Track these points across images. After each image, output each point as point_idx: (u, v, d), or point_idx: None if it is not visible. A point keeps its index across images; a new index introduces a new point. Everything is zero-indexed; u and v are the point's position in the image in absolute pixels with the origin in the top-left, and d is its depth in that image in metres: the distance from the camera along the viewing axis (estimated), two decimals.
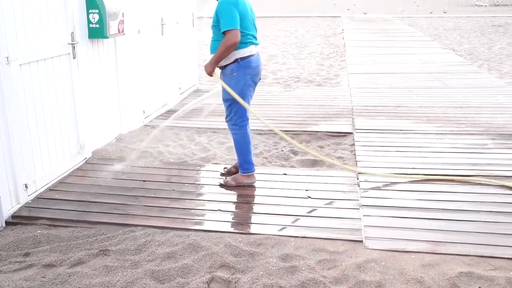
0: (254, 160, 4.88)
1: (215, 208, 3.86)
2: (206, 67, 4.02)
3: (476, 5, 37.78)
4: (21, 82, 3.83)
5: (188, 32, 7.89)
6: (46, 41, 4.15)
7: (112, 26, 4.89)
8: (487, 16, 26.25)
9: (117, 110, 5.49)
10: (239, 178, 4.25)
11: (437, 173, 4.46)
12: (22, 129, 3.85)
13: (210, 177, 4.49)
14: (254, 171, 4.26)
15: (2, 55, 3.57)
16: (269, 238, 3.35)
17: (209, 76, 4.24)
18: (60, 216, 3.71)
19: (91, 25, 4.78)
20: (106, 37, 4.85)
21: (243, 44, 3.91)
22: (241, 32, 3.86)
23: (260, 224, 3.59)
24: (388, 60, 11.44)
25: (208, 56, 4.12)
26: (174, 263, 3.07)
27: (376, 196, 4.02)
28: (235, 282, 2.88)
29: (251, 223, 3.63)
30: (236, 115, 4.11)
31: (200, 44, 10.66)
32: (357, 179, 4.37)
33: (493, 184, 3.96)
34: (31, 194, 3.98)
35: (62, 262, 3.10)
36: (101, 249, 3.23)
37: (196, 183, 4.38)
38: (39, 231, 3.49)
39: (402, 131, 5.79)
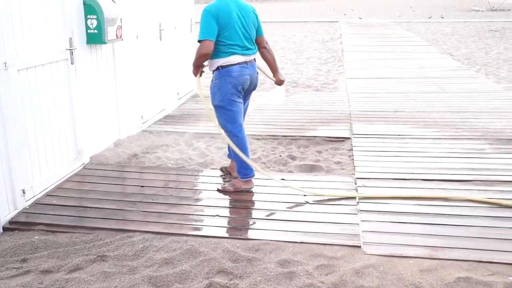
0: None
1: (213, 214, 3.85)
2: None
3: (473, 10, 37.95)
4: (19, 88, 3.83)
5: (186, 37, 7.90)
6: (44, 47, 4.16)
7: (110, 32, 4.90)
8: (484, 21, 26.34)
9: (115, 115, 5.49)
10: (237, 184, 4.25)
11: (435, 178, 4.46)
12: (20, 135, 3.85)
13: (208, 183, 4.49)
14: (253, 176, 4.25)
15: (0, 61, 3.57)
16: (267, 244, 3.34)
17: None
18: (58, 221, 3.71)
19: (89, 31, 4.78)
20: (104, 43, 4.85)
21: (223, 53, 3.96)
22: (222, 42, 3.92)
23: (258, 230, 3.58)
24: (386, 65, 11.47)
25: None
26: (172, 269, 3.06)
27: (374, 201, 4.01)
28: None
29: (249, 229, 3.62)
30: (226, 121, 4.11)
31: None
32: (355, 184, 4.37)
33: (489, 202, 3.89)
34: (28, 200, 3.97)
35: (60, 268, 3.09)
36: (98, 254, 3.22)
37: (194, 188, 4.37)
38: (36, 237, 3.48)
39: (400, 136, 5.80)
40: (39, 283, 2.94)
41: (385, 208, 3.88)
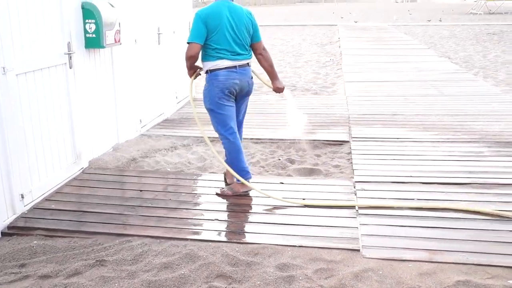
0: (252, 169, 4.90)
1: (212, 218, 3.85)
2: None
3: (471, 13, 38.05)
4: (18, 92, 3.83)
5: (185, 41, 7.88)
6: (42, 51, 4.16)
7: (109, 36, 4.90)
8: (481, 24, 26.41)
9: (114, 119, 5.49)
10: (235, 187, 4.25)
11: (434, 181, 4.47)
12: (18, 139, 3.84)
13: (207, 187, 4.49)
14: (249, 178, 4.23)
15: None
16: (266, 248, 3.34)
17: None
18: (57, 226, 3.70)
19: (87, 35, 4.79)
20: (103, 47, 4.86)
21: (211, 57, 4.01)
22: (210, 45, 3.97)
23: (257, 234, 3.58)
24: (384, 68, 11.49)
25: None
26: (171, 273, 3.06)
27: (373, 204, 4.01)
28: None
29: (248, 233, 3.62)
30: (217, 124, 4.13)
31: None
32: (354, 187, 4.37)
33: (491, 213, 3.78)
34: (27, 204, 3.97)
35: (59, 273, 3.08)
36: (97, 259, 3.22)
37: (193, 192, 4.37)
38: (35, 242, 3.48)
39: (399, 139, 5.80)
40: None
41: (384, 212, 3.88)
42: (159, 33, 6.65)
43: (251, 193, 4.27)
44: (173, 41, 7.27)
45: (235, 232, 3.63)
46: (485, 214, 3.76)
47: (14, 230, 3.67)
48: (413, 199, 4.09)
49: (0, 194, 3.68)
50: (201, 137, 6.02)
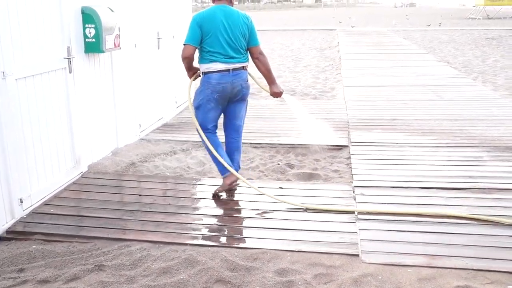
0: (250, 173, 4.91)
1: (211, 223, 3.84)
2: None
3: (469, 18, 38.16)
4: (17, 97, 3.83)
5: None
6: (42, 56, 4.16)
7: (108, 41, 4.91)
8: (480, 29, 26.48)
9: (113, 124, 5.49)
10: (223, 183, 4.33)
11: (433, 186, 4.47)
12: (17, 144, 3.84)
13: (206, 191, 4.48)
14: (228, 172, 4.26)
15: None
16: (265, 253, 3.33)
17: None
18: (55, 231, 3.69)
19: (87, 40, 4.79)
20: (102, 52, 4.86)
21: (203, 59, 4.13)
22: (204, 48, 4.07)
23: (256, 238, 3.57)
24: (384, 73, 11.51)
25: None
26: (170, 278, 3.05)
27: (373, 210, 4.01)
28: None
29: (247, 237, 3.62)
30: (201, 121, 4.24)
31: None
32: (353, 192, 4.37)
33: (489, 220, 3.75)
34: (26, 209, 3.96)
35: (57, 278, 3.07)
36: (96, 264, 3.21)
37: (192, 197, 4.37)
38: (34, 247, 3.47)
39: (398, 144, 5.80)
40: None
41: (383, 217, 3.87)
42: (158, 38, 6.66)
43: (251, 198, 4.27)
44: (173, 45, 7.27)
45: (234, 237, 3.63)
46: (484, 221, 3.75)
47: (12, 235, 3.66)
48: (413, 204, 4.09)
49: None
50: (200, 141, 6.01)
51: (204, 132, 4.26)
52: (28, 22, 3.97)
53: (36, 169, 4.13)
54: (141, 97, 6.16)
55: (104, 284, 3.00)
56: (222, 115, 4.42)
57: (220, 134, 4.46)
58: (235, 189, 4.46)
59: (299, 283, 2.99)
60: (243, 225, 3.83)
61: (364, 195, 4.30)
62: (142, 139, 6.12)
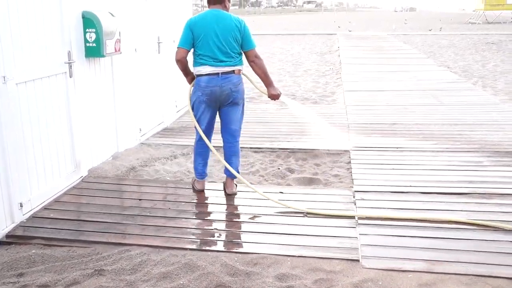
0: (251, 178, 4.91)
1: (211, 227, 3.84)
2: None
3: (469, 22, 38.24)
4: (18, 101, 3.84)
5: None
6: (43, 60, 4.17)
7: (109, 45, 4.92)
8: (480, 33, 26.54)
9: (114, 128, 5.49)
10: (192, 181, 4.63)
11: (433, 191, 4.46)
12: (18, 147, 3.84)
13: (206, 196, 4.48)
14: (198, 179, 4.52)
15: None
16: (265, 258, 3.33)
17: None
18: (55, 235, 3.69)
19: (88, 44, 4.80)
20: (103, 56, 4.87)
21: (195, 62, 4.23)
22: (196, 51, 4.17)
23: (256, 243, 3.57)
24: (384, 78, 11.52)
25: None
26: (170, 283, 3.04)
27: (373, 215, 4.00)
28: None
29: (247, 242, 3.61)
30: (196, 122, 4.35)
31: None
32: (353, 197, 4.36)
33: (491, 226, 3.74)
34: (26, 213, 3.96)
35: (57, 283, 3.07)
36: (96, 269, 3.20)
37: (192, 201, 4.37)
38: (33, 251, 3.46)
39: (398, 149, 5.80)
40: None
41: (383, 222, 3.87)
42: (159, 42, 6.67)
43: (251, 203, 4.27)
44: (173, 50, 7.26)
45: (234, 242, 3.62)
46: (485, 226, 3.74)
47: (12, 239, 3.66)
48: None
49: None
50: None
51: (196, 136, 4.40)
52: (29, 26, 3.97)
53: (36, 173, 4.13)
54: (142, 102, 6.17)
55: None
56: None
57: (217, 139, 4.48)
58: (235, 194, 4.46)
59: None
60: (243, 230, 3.83)
61: (364, 200, 4.30)
62: (143, 143, 6.12)
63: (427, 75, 11.89)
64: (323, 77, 12.33)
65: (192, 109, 4.32)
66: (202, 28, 4.09)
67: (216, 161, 5.50)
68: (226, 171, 4.48)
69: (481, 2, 38.96)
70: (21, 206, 3.89)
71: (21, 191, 3.89)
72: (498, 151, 5.63)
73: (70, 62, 4.54)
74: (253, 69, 4.31)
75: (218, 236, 3.70)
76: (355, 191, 4.48)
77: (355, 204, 4.20)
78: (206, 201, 4.39)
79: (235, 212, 4.16)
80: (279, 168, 5.32)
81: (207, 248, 3.50)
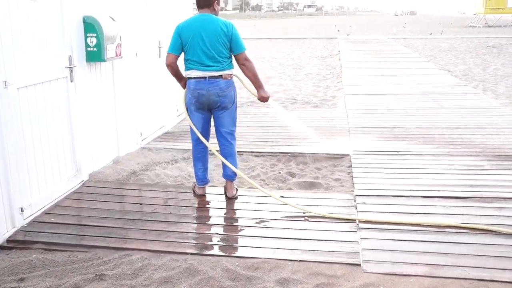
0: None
1: (212, 232, 3.84)
2: None
3: (470, 26, 38.28)
4: (19, 106, 3.84)
5: None
6: (43, 65, 4.18)
7: (110, 50, 4.93)
8: (481, 37, 26.56)
9: (114, 132, 5.50)
10: (194, 186, 4.64)
11: (434, 195, 4.46)
12: (18, 152, 3.85)
13: (207, 200, 4.48)
14: (199, 185, 4.53)
15: (0, 79, 3.59)
16: (267, 262, 3.32)
17: None
18: (56, 240, 3.69)
19: (88, 49, 4.81)
20: (104, 61, 4.88)
21: (185, 67, 4.27)
22: (185, 56, 4.23)
23: (257, 248, 3.56)
24: (385, 81, 11.53)
25: None
26: None
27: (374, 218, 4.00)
28: None
29: (248, 247, 3.60)
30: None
31: None
32: (354, 201, 4.36)
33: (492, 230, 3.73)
34: (26, 218, 3.96)
35: None
36: (97, 273, 3.20)
37: (193, 206, 4.36)
38: (34, 256, 3.46)
39: (399, 153, 5.80)
40: None
41: (384, 226, 3.86)
42: (159, 47, 6.68)
43: (252, 207, 4.26)
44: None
45: (235, 246, 3.61)
46: (485, 230, 3.74)
47: (13, 244, 3.66)
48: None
49: (0, 208, 3.66)
50: None
51: (193, 137, 4.45)
52: (30, 31, 3.98)
53: (37, 177, 4.13)
54: (142, 106, 6.18)
55: None
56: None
57: (215, 143, 4.50)
58: (236, 198, 4.47)
59: None
60: (244, 234, 3.82)
61: (365, 204, 4.29)
62: (143, 147, 6.12)
63: (428, 78, 11.89)
64: (324, 81, 12.34)
65: (186, 110, 4.39)
66: (189, 33, 4.14)
67: (217, 165, 5.50)
68: (225, 174, 4.49)
69: (481, 6, 39.01)
70: (22, 210, 3.89)
71: (22, 195, 3.89)
72: (499, 155, 5.62)
73: (71, 67, 4.55)
74: (243, 72, 4.34)
75: (219, 241, 3.69)
76: (356, 195, 4.48)
77: (356, 208, 4.20)
78: (207, 206, 4.38)
79: (236, 216, 4.15)
80: (280, 172, 5.32)
81: (208, 252, 3.50)
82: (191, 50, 4.15)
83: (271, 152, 5.95)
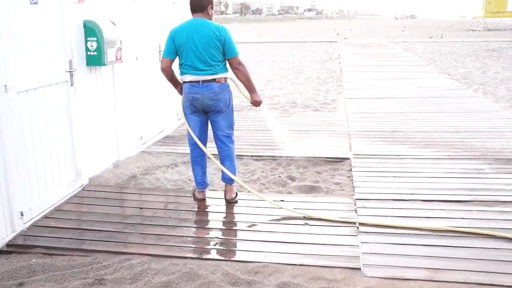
0: (252, 186, 4.90)
1: (212, 236, 3.83)
2: None
3: (470, 29, 38.34)
4: (19, 110, 3.85)
5: None
6: (44, 69, 4.18)
7: (110, 54, 4.93)
8: (480, 40, 26.59)
9: (115, 136, 5.50)
10: (193, 190, 4.66)
11: (434, 198, 4.45)
12: (19, 156, 3.84)
13: (207, 204, 4.47)
14: (199, 189, 4.55)
15: (0, 83, 3.59)
16: (267, 266, 3.32)
17: None
18: (56, 244, 3.68)
19: (89, 53, 4.81)
20: (104, 65, 4.88)
21: (180, 71, 4.30)
22: (179, 61, 4.27)
23: (257, 252, 3.55)
24: (385, 85, 11.53)
25: None
26: None
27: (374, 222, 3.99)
28: None
29: (248, 251, 3.59)
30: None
31: None
32: (355, 205, 4.35)
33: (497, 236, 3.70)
34: (26, 222, 3.95)
35: None
36: (96, 278, 3.19)
37: (193, 210, 4.36)
38: (34, 260, 3.45)
39: (399, 157, 5.80)
40: None
41: (384, 230, 3.86)
42: (160, 51, 6.68)
43: (252, 211, 4.26)
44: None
45: (235, 251, 3.61)
46: (486, 235, 3.73)
47: (13, 248, 3.65)
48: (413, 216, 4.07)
49: (0, 212, 3.66)
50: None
51: (189, 142, 4.49)
52: (30, 35, 3.99)
53: (37, 182, 4.13)
54: (143, 110, 6.18)
55: None
56: None
57: (214, 147, 4.50)
58: (236, 201, 4.46)
59: None
60: (244, 238, 3.81)
61: (365, 207, 4.29)
62: (143, 151, 6.12)
63: (428, 82, 11.90)
64: (324, 85, 12.34)
65: (183, 114, 4.42)
66: (182, 38, 4.16)
67: (217, 169, 5.49)
68: (223, 177, 4.50)
69: (481, 10, 39.11)
70: (22, 214, 3.88)
71: (22, 199, 3.89)
72: (500, 159, 5.62)
73: (71, 71, 4.55)
74: (237, 76, 4.35)
75: (219, 245, 3.69)
76: (356, 199, 4.47)
77: (356, 212, 4.19)
78: (207, 210, 4.38)
79: (236, 220, 4.15)
80: (280, 176, 5.31)
81: (208, 256, 3.49)
82: (184, 54, 4.18)
83: (271, 156, 5.95)
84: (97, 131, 5.12)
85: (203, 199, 4.54)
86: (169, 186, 5.02)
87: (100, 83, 5.16)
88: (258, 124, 7.62)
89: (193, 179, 4.68)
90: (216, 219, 4.17)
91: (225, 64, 4.28)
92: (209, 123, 4.45)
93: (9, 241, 3.72)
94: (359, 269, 3.28)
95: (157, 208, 4.35)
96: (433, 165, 5.45)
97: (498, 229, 3.79)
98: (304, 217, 4.09)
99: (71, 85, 4.57)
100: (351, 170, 5.36)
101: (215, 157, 4.49)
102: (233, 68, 4.29)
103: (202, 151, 4.42)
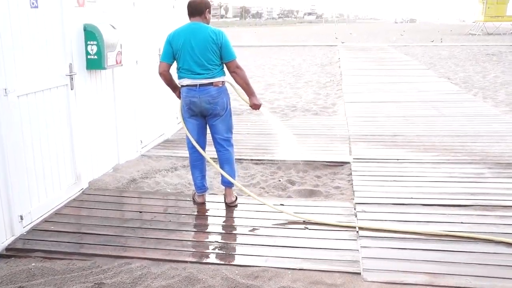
0: (252, 190, 4.90)
1: (212, 240, 3.82)
2: None
3: (470, 34, 38.40)
4: (19, 113, 3.85)
5: None
6: (44, 73, 4.18)
7: (110, 57, 4.94)
8: (480, 45, 26.62)
9: (114, 140, 5.50)
10: (193, 194, 4.67)
11: (434, 203, 4.45)
12: (18, 160, 3.84)
13: (207, 208, 4.47)
14: (198, 193, 4.55)
15: (0, 87, 3.59)
16: (266, 271, 3.31)
17: None
18: (55, 248, 3.68)
19: (89, 57, 4.82)
20: (104, 68, 4.89)
21: (178, 75, 4.32)
22: (177, 65, 4.29)
23: (257, 256, 3.55)
24: (385, 89, 11.54)
25: None
26: None
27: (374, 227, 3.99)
28: None
29: (248, 255, 3.58)
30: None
31: None
32: (354, 209, 4.35)
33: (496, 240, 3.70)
34: (26, 226, 3.95)
35: None
36: (96, 282, 3.19)
37: (193, 214, 4.35)
38: (33, 264, 3.45)
39: (399, 161, 5.79)
40: None
41: (384, 234, 3.85)
42: (159, 54, 6.68)
43: (251, 215, 4.26)
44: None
45: (235, 255, 3.60)
46: (486, 240, 3.72)
47: (12, 252, 3.65)
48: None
49: None
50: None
51: (187, 146, 4.51)
52: (30, 39, 3.99)
53: (37, 185, 4.12)
54: (142, 113, 6.18)
55: None
56: None
57: (213, 150, 4.50)
58: (236, 205, 4.46)
59: None
60: (244, 242, 3.81)
61: (365, 212, 4.28)
62: (143, 155, 6.12)
63: (428, 86, 11.91)
64: (324, 89, 12.35)
65: (182, 118, 4.43)
66: (180, 42, 4.17)
67: (217, 173, 5.49)
68: (223, 181, 4.50)
69: (481, 14, 39.18)
70: (21, 218, 3.88)
71: (21, 203, 3.89)
72: (500, 163, 5.61)
73: (71, 75, 4.55)
74: (235, 80, 4.35)
75: (218, 249, 3.68)
76: (356, 203, 4.47)
77: (356, 216, 4.18)
78: (206, 214, 4.37)
79: (236, 224, 4.14)
80: (279, 180, 5.31)
81: (208, 261, 3.48)
82: (181, 58, 4.19)
83: (271, 160, 5.95)
84: (97, 135, 5.11)
85: (203, 203, 4.54)
86: (169, 190, 5.01)
87: (100, 87, 5.16)
88: (257, 128, 7.63)
89: (193, 183, 4.68)
90: (215, 223, 4.17)
91: (223, 68, 4.28)
92: (207, 126, 4.45)
93: (8, 245, 3.71)
94: (359, 273, 3.28)
95: (156, 212, 4.35)
96: (433, 169, 5.45)
97: (498, 234, 3.78)
98: (304, 221, 4.09)
99: (71, 89, 4.57)
100: (351, 174, 5.36)
101: (214, 161, 4.49)
102: (231, 72, 4.29)
103: (201, 154, 4.41)
